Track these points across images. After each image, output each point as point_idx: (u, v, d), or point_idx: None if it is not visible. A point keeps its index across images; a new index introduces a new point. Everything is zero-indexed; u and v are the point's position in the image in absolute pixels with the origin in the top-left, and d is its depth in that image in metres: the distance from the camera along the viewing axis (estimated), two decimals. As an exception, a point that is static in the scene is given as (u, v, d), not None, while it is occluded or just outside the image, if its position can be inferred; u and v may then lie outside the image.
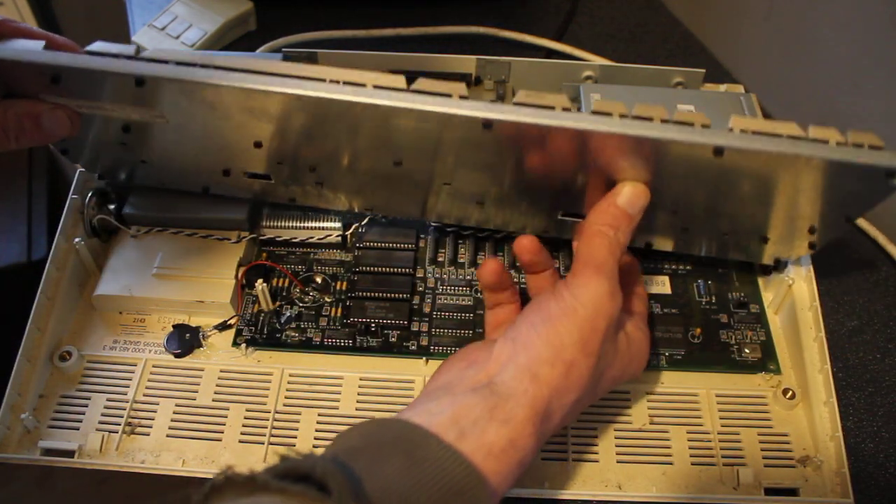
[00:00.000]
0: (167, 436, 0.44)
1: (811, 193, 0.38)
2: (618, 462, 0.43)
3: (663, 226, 0.45)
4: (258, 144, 0.42)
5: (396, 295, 0.49)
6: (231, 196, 0.49)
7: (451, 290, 0.50)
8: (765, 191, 0.39)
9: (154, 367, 0.47)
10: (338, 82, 0.36)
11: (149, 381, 0.46)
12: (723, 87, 0.58)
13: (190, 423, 0.45)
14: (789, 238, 0.45)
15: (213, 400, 0.45)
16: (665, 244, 0.48)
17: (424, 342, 0.47)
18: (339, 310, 0.49)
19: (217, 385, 0.46)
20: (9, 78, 0.38)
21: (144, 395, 0.45)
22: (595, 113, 0.35)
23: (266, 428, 0.44)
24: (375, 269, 0.50)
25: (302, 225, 0.52)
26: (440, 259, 0.51)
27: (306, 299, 0.49)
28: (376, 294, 0.49)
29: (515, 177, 0.41)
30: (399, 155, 0.41)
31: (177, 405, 0.45)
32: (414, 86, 0.36)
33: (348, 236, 0.51)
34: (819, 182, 0.37)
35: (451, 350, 0.47)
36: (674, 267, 0.52)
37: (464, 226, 0.51)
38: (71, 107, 0.40)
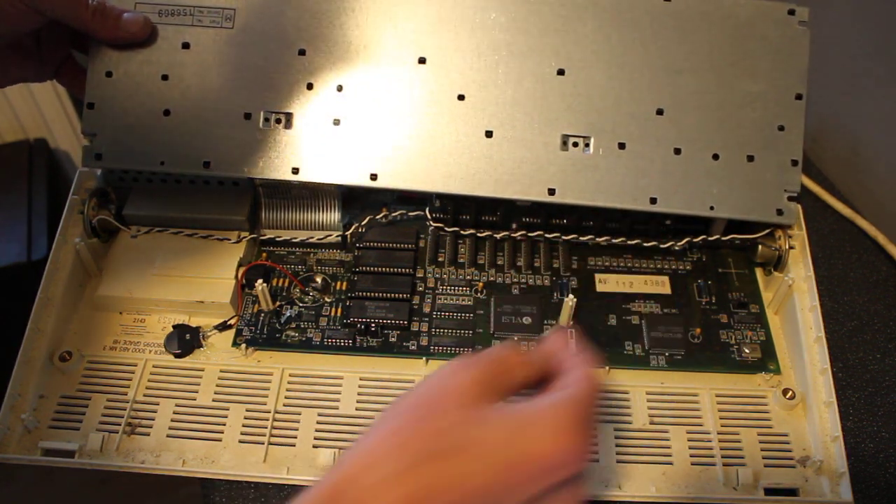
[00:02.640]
0: (167, 436, 0.44)
1: (748, 46, 0.48)
2: (618, 462, 0.43)
3: (656, 140, 0.48)
4: (302, 52, 0.48)
5: (396, 295, 0.49)
6: (230, 176, 0.49)
7: (451, 290, 0.50)
8: (718, 48, 0.48)
9: (154, 367, 0.46)
10: None
11: (149, 381, 0.46)
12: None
13: (190, 423, 0.45)
14: (771, 150, 0.48)
15: (213, 400, 0.45)
16: (667, 192, 0.47)
17: (424, 342, 0.47)
18: (339, 310, 0.49)
19: (217, 385, 0.46)
20: None
21: (144, 396, 0.45)
22: None
23: (266, 428, 0.44)
24: (375, 269, 0.50)
25: (302, 225, 0.52)
26: (440, 259, 0.51)
27: (306, 299, 0.49)
28: (376, 294, 0.49)
29: None
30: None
31: (177, 405, 0.45)
32: None
33: (348, 236, 0.51)
34: (744, 25, 0.48)
35: (451, 350, 0.47)
36: (674, 267, 0.52)
37: (464, 226, 0.51)
38: (151, 16, 0.48)
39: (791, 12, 0.49)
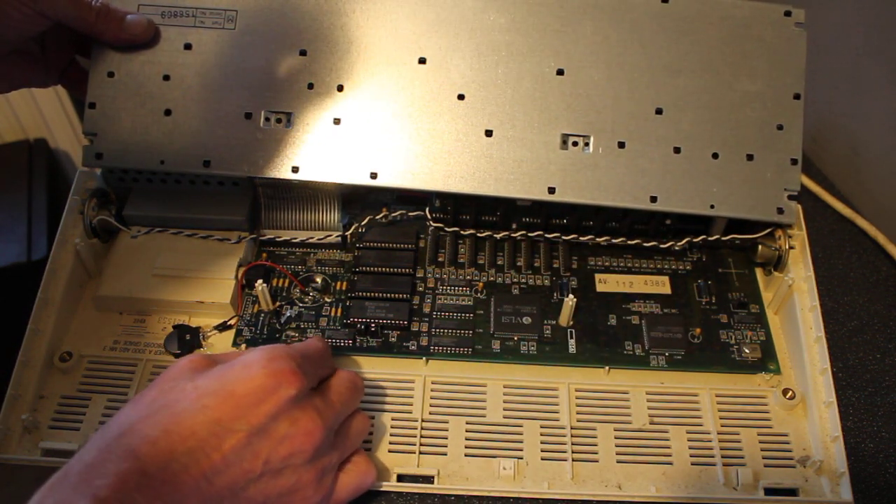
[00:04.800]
0: (167, 436, 0.44)
1: (744, 46, 0.49)
2: (618, 462, 0.43)
3: (658, 142, 0.48)
4: (303, 52, 0.48)
5: (396, 295, 0.49)
6: (230, 175, 0.49)
7: (451, 290, 0.50)
8: (716, 50, 0.49)
9: (154, 367, 0.46)
10: None
11: (149, 381, 0.46)
12: None
13: (190, 423, 0.44)
14: (770, 150, 0.48)
15: (214, 400, 0.45)
16: (667, 192, 0.47)
17: (424, 342, 0.47)
18: (339, 310, 0.49)
19: (217, 385, 0.46)
20: None
21: (144, 396, 0.45)
22: None
23: (266, 428, 0.44)
24: (375, 269, 0.50)
25: (302, 225, 0.52)
26: (440, 259, 0.51)
27: (306, 299, 0.49)
28: (376, 294, 0.49)
29: None
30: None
31: (177, 405, 0.45)
32: None
33: (348, 236, 0.52)
34: (741, 26, 0.49)
35: (450, 350, 0.47)
36: (674, 267, 0.52)
37: (464, 226, 0.51)
38: (154, 17, 0.48)
39: (787, 14, 0.49)
